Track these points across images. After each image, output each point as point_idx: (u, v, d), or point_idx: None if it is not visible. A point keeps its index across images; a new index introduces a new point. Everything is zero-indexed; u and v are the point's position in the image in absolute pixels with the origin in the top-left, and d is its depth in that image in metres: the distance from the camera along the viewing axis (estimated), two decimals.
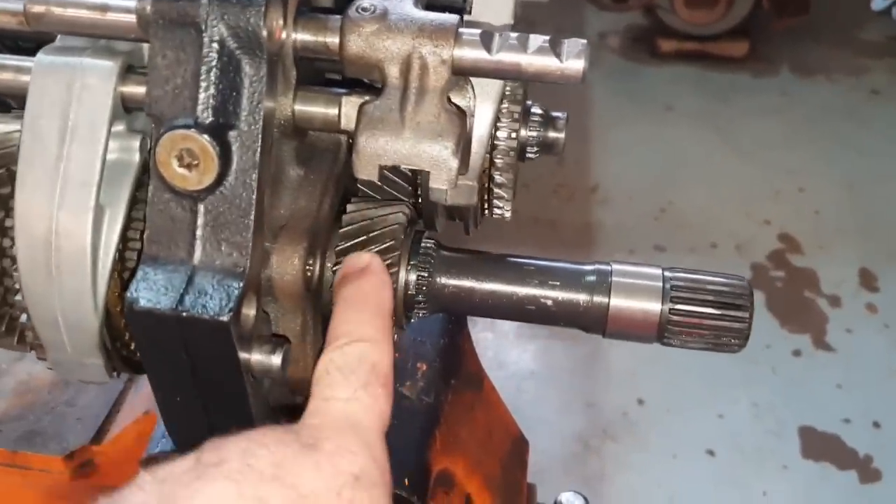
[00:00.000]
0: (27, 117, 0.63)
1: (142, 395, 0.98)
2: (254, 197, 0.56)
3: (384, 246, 0.67)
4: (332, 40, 0.60)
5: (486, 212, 0.80)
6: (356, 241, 0.66)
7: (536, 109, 0.79)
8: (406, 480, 0.82)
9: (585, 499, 1.05)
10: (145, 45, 0.66)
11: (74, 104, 0.62)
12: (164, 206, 0.57)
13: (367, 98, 0.61)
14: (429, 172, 0.59)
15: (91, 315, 0.64)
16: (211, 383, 0.59)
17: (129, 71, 0.64)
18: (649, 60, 5.13)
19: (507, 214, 0.79)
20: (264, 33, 0.55)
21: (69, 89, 0.63)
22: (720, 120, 4.79)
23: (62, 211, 0.62)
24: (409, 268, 0.69)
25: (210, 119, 0.55)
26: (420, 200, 0.75)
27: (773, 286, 3.92)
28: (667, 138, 4.64)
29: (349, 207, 0.69)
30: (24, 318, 0.67)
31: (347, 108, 0.62)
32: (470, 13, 0.70)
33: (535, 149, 0.79)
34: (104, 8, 0.61)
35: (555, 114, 0.80)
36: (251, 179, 0.56)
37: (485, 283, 0.70)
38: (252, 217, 0.56)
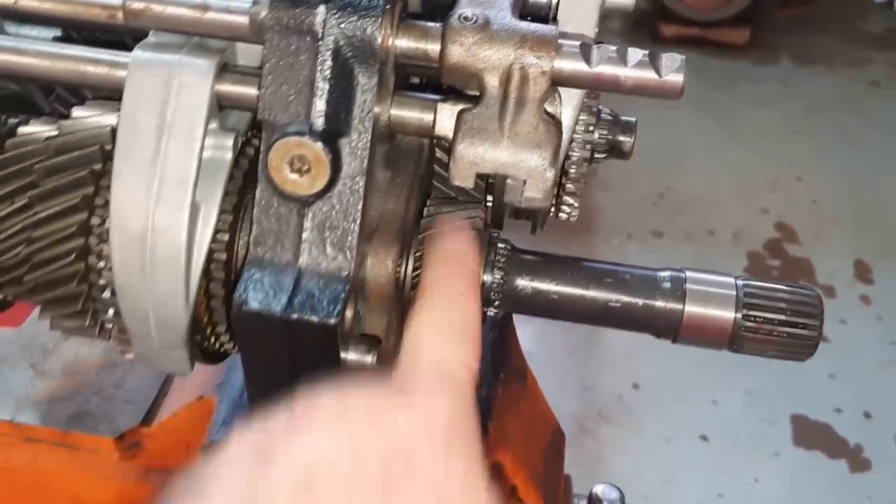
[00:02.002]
0: (124, 113, 0.63)
1: (192, 381, 0.99)
2: (360, 203, 0.57)
3: None
4: (434, 48, 0.61)
5: (553, 213, 0.81)
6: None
7: (606, 114, 0.80)
8: None
9: (620, 491, 1.07)
10: (239, 44, 0.66)
11: (172, 102, 0.63)
12: (272, 209, 0.57)
13: (462, 106, 0.62)
14: (524, 181, 0.60)
15: (182, 310, 0.65)
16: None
17: (224, 69, 0.65)
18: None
19: (574, 216, 0.80)
20: (379, 42, 0.55)
21: (167, 86, 0.63)
22: (720, 107, 4.81)
23: (159, 208, 0.63)
24: (486, 268, 0.70)
25: (324, 126, 0.56)
26: (492, 200, 0.77)
27: (769, 275, 3.96)
28: (667, 124, 4.66)
29: (426, 210, 0.70)
30: (110, 312, 0.68)
31: (442, 115, 0.63)
32: (555, 20, 0.71)
33: (604, 153, 0.80)
34: (205, 7, 0.62)
35: (624, 118, 0.82)
36: (359, 186, 0.57)
37: (561, 286, 0.72)
38: (358, 222, 0.57)
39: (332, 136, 0.56)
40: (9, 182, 0.69)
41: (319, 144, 0.55)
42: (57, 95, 0.74)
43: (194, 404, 0.95)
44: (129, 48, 0.66)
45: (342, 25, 0.56)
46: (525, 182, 0.60)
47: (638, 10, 4.45)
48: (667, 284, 0.72)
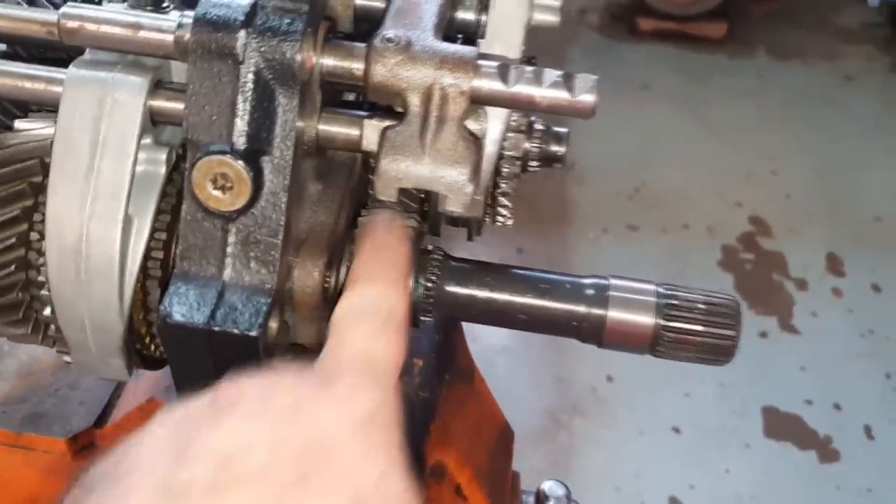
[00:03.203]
0: (59, 129, 0.65)
1: (144, 382, 1.01)
2: (283, 218, 0.59)
3: None
4: (358, 67, 0.63)
5: (489, 220, 0.84)
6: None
7: (539, 125, 0.83)
8: None
9: (567, 488, 1.10)
10: (173, 62, 0.69)
11: (105, 118, 0.65)
12: (197, 224, 0.60)
13: (387, 123, 0.64)
14: (445, 195, 0.63)
15: (116, 319, 0.67)
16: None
17: (158, 86, 0.67)
18: (628, 38, 5.15)
19: (510, 222, 0.83)
20: (298, 66, 0.58)
21: (100, 104, 0.65)
22: (696, 101, 4.84)
23: (92, 221, 0.65)
24: (418, 275, 0.72)
25: (245, 145, 0.58)
26: (426, 208, 0.79)
27: (743, 268, 4.00)
28: (643, 118, 4.69)
29: (360, 220, 0.72)
30: (50, 320, 0.70)
31: (368, 131, 0.65)
32: (483, 37, 0.74)
33: (537, 162, 0.83)
34: (137, 26, 0.64)
35: (557, 129, 0.84)
36: (281, 202, 0.59)
37: (489, 293, 0.74)
38: (280, 237, 0.60)
39: (253, 154, 0.58)
40: None
41: (240, 163, 0.57)
42: (1, 107, 0.76)
43: (145, 405, 0.97)
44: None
45: (262, 49, 0.58)
46: (446, 197, 0.63)
47: (616, 5, 4.49)
48: (591, 291, 0.74)
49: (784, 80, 5.05)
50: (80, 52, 0.70)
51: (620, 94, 4.79)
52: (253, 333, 0.58)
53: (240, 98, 0.58)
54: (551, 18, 0.73)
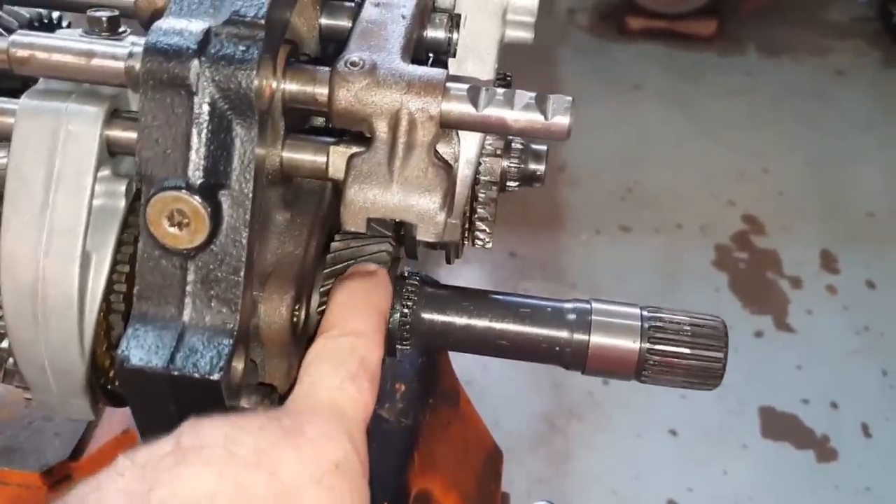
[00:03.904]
0: (12, 162, 0.63)
1: (119, 414, 0.99)
2: (244, 254, 0.57)
3: None
4: (322, 92, 0.60)
5: (468, 242, 0.81)
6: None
7: (517, 143, 0.80)
8: None
9: None
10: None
11: (60, 151, 0.62)
12: (154, 263, 0.57)
13: (354, 149, 0.62)
14: (416, 225, 0.60)
15: (78, 360, 0.64)
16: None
17: (115, 115, 0.64)
18: (618, 38, 5.13)
19: (489, 245, 0.80)
20: (255, 95, 0.55)
21: (54, 136, 0.62)
22: (687, 99, 4.83)
23: (48, 259, 0.62)
24: (394, 302, 0.70)
25: (201, 180, 0.55)
26: (402, 233, 0.77)
27: (737, 267, 3.98)
28: (634, 117, 4.67)
29: (333, 245, 0.69)
30: (10, 360, 0.67)
31: (335, 157, 0.63)
32: (454, 56, 0.71)
33: (516, 182, 0.80)
34: (90, 54, 0.61)
35: (535, 147, 0.82)
36: (241, 237, 0.57)
37: (467, 319, 0.72)
38: (242, 274, 0.57)
39: (210, 188, 0.56)
40: None
41: (197, 198, 0.54)
42: None
43: (121, 437, 0.95)
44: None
45: (216, 79, 0.55)
46: (416, 226, 0.60)
47: (605, 4, 4.47)
48: (572, 316, 0.72)
49: (774, 76, 5.04)
50: (36, 80, 0.67)
51: (611, 93, 4.77)
52: (214, 377, 0.55)
53: (195, 130, 0.55)
54: (525, 35, 0.70)
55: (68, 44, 0.62)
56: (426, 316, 0.71)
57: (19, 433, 1.01)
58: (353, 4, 0.69)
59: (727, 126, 4.71)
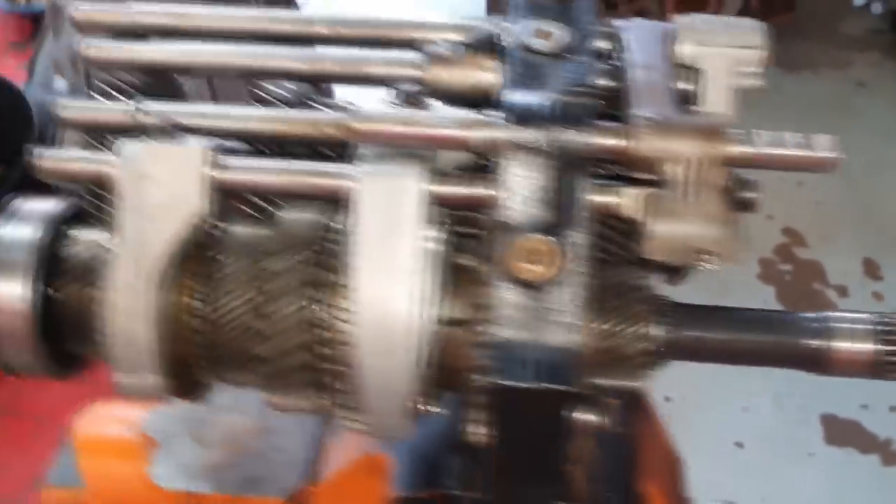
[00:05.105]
0: (358, 218, 0.73)
1: (347, 439, 1.09)
2: (584, 282, 0.67)
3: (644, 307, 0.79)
4: (622, 143, 0.71)
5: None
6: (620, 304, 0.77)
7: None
8: None
9: None
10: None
11: (394, 205, 0.73)
12: (511, 295, 0.68)
13: (640, 189, 0.73)
14: (711, 250, 0.71)
15: (414, 382, 0.75)
16: (537, 442, 0.70)
17: (433, 172, 0.75)
18: None
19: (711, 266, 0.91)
20: (589, 151, 0.66)
21: (389, 192, 0.73)
22: None
23: (394, 296, 0.73)
24: (659, 322, 0.80)
25: (555, 223, 0.66)
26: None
27: (782, 279, 4.08)
28: None
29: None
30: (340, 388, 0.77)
31: (626, 199, 0.73)
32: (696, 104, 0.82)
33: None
34: (421, 123, 0.72)
35: (744, 176, 0.92)
36: (582, 268, 0.67)
37: (721, 334, 0.82)
38: (582, 300, 0.68)
39: (559, 230, 0.66)
40: (240, 273, 0.79)
41: (552, 239, 0.65)
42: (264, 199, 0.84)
43: (361, 461, 1.04)
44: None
45: (562, 140, 0.66)
46: (711, 252, 0.71)
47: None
48: (814, 324, 0.82)
49: (797, 91, 5.16)
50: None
51: None
52: (574, 389, 0.66)
53: (544, 185, 0.66)
54: (755, 82, 0.81)
55: (398, 115, 0.73)
56: (686, 333, 0.82)
57: (256, 464, 1.11)
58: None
59: None
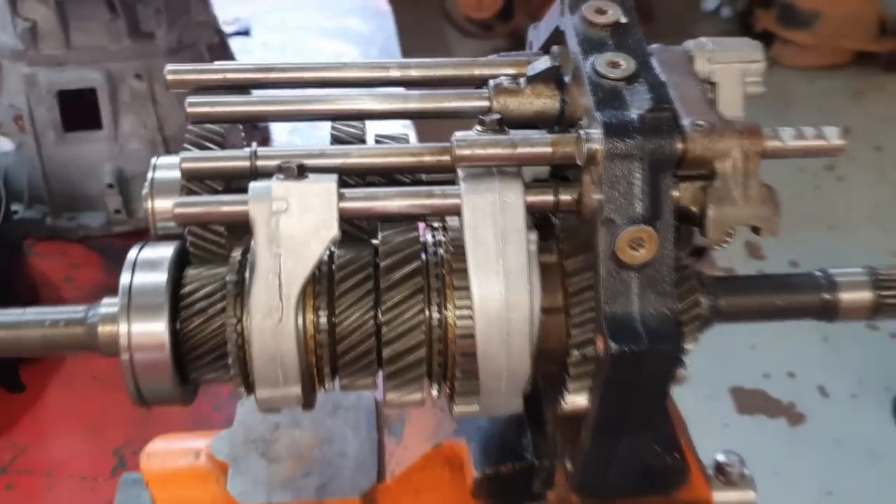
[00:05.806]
0: (467, 229, 0.87)
1: (408, 437, 1.20)
2: (672, 259, 0.83)
3: (693, 281, 0.95)
4: (681, 147, 0.87)
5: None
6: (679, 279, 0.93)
7: None
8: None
9: (740, 458, 1.35)
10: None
11: (500, 215, 0.87)
12: (616, 275, 0.83)
13: (702, 183, 0.89)
14: (760, 227, 0.88)
15: (528, 365, 0.89)
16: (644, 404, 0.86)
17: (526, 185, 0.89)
18: None
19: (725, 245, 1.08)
20: (675, 155, 0.83)
21: (494, 205, 0.87)
22: None
23: (509, 293, 0.86)
24: (704, 294, 0.97)
25: (649, 215, 0.82)
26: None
27: None
28: None
29: None
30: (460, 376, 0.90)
31: (684, 193, 0.90)
32: None
33: None
34: (514, 144, 0.86)
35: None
36: (670, 250, 0.83)
37: (752, 298, 1.00)
38: (672, 276, 0.83)
39: (654, 220, 0.82)
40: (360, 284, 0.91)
41: (650, 228, 0.81)
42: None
43: (432, 453, 1.16)
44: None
45: (650, 148, 0.82)
46: (761, 228, 0.88)
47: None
48: (823, 281, 1.01)
49: None
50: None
51: None
52: (678, 348, 0.81)
53: (639, 184, 0.82)
54: (759, 89, 1.00)
55: (497, 139, 0.87)
56: (725, 300, 0.99)
57: (327, 470, 1.21)
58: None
59: None
